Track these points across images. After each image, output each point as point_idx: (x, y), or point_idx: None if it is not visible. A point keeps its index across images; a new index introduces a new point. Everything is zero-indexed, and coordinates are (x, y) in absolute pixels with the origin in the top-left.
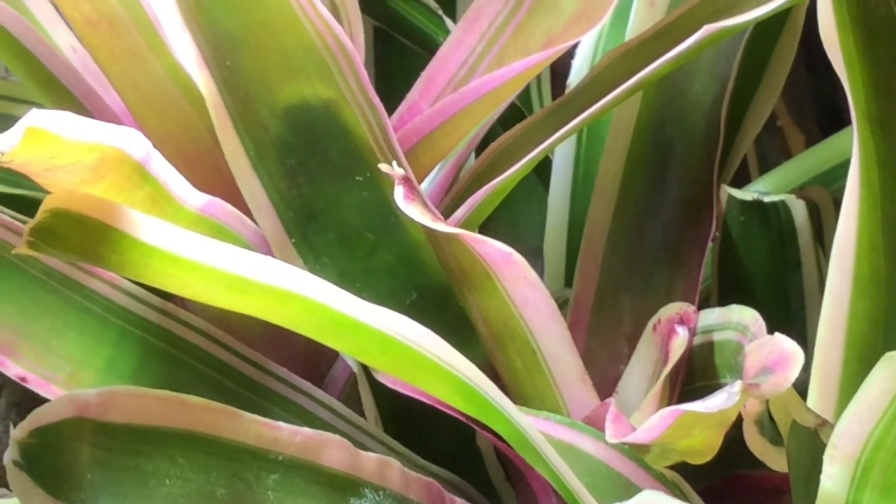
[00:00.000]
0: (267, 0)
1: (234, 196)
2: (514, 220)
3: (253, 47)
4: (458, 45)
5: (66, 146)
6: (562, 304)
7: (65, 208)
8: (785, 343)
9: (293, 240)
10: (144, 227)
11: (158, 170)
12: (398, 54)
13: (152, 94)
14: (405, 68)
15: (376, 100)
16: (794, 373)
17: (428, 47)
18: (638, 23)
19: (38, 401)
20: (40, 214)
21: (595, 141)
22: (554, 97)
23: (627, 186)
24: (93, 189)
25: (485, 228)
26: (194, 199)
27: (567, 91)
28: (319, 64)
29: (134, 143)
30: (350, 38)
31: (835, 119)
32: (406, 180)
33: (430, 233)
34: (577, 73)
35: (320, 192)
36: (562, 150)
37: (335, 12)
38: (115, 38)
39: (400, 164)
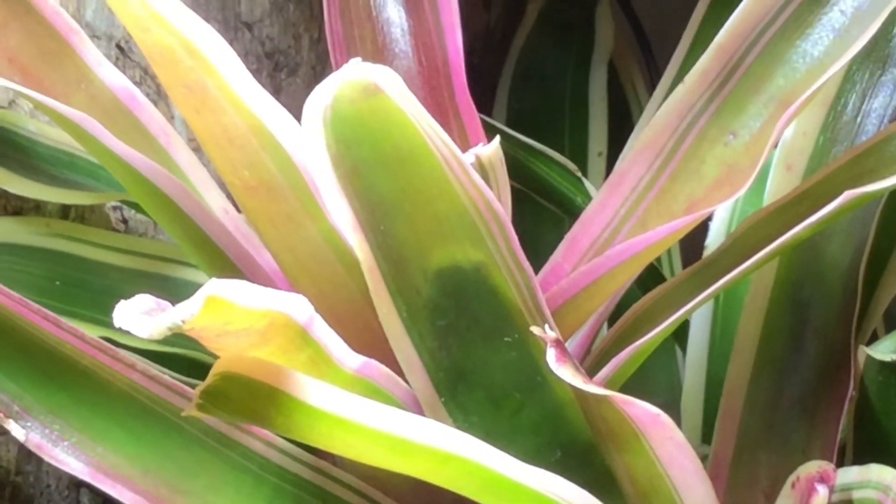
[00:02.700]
0: (422, 167)
1: (383, 354)
2: (644, 373)
3: (407, 213)
4: (601, 207)
5: (240, 313)
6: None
7: (234, 372)
8: None
9: (443, 399)
10: (310, 390)
11: (320, 333)
12: (532, 214)
13: (307, 256)
14: (540, 228)
15: (525, 262)
16: None
17: (566, 208)
18: (776, 187)
19: None
20: (211, 378)
21: (732, 301)
22: (683, 256)
23: (766, 345)
24: (258, 352)
25: None
26: (351, 360)
27: (706, 254)
28: (471, 228)
29: (299, 308)
30: (499, 201)
31: None
32: (558, 343)
33: (579, 393)
34: (715, 235)
35: (470, 352)
36: (699, 310)
37: (484, 175)
38: (273, 203)
39: (550, 327)
